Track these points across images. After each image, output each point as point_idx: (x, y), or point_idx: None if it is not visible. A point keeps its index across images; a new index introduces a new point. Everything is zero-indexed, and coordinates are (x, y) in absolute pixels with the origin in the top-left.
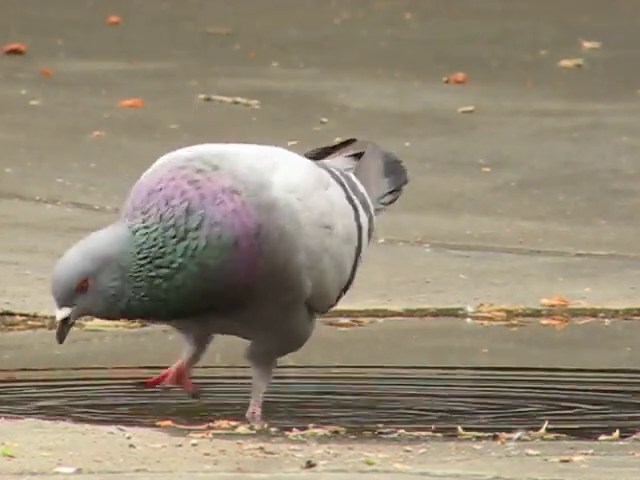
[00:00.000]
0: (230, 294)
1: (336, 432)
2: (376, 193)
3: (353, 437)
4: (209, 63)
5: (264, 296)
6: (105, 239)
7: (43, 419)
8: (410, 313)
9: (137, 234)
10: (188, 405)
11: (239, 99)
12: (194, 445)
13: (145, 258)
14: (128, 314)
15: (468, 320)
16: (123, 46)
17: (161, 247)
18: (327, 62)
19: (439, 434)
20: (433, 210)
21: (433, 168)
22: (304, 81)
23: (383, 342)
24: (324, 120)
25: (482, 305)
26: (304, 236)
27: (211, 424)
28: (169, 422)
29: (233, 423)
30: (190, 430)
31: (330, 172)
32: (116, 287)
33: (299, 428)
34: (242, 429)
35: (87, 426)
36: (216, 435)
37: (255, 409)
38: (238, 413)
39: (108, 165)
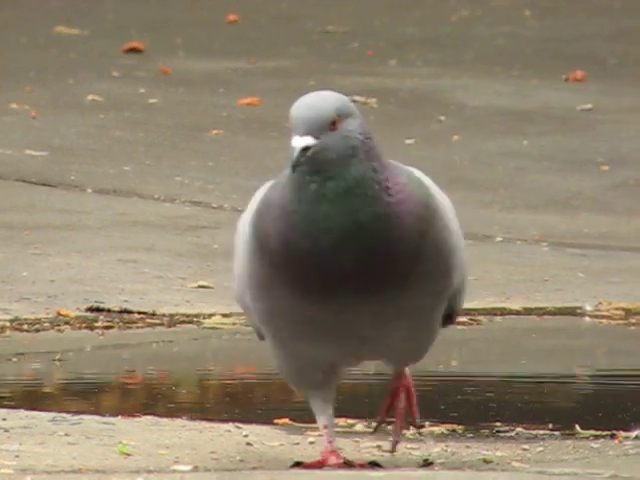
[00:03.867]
0: (391, 256)
1: (453, 430)
2: None
3: (470, 435)
4: (327, 61)
5: (422, 280)
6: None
7: (160, 417)
8: (528, 311)
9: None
10: (306, 403)
11: (357, 97)
12: (311, 443)
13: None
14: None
15: (587, 319)
16: (242, 45)
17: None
18: (445, 60)
19: (556, 432)
20: (551, 208)
21: (551, 166)
22: (422, 79)
23: (501, 341)
24: (442, 118)
25: (600, 303)
26: (449, 218)
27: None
28: (286, 420)
29: (350, 421)
30: (307, 428)
31: None
32: (357, 142)
33: (416, 426)
34: (359, 427)
35: (204, 424)
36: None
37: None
38: (355, 410)
39: (226, 163)
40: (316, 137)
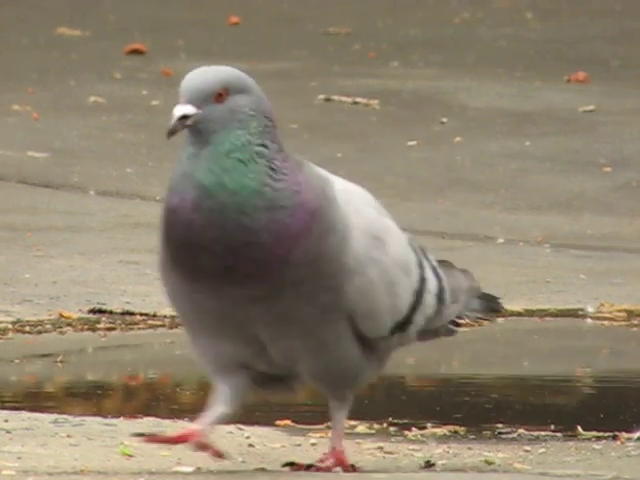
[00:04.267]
0: (260, 254)
1: (455, 432)
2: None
3: (472, 437)
4: (329, 63)
5: (300, 285)
6: (254, 82)
7: (162, 418)
8: (530, 313)
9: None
10: (307, 404)
11: (359, 99)
12: (313, 445)
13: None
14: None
15: (589, 320)
16: (243, 46)
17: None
18: (447, 62)
19: (558, 434)
20: (553, 210)
21: (553, 168)
22: (424, 81)
23: (503, 342)
24: (444, 120)
25: (603, 305)
26: (353, 238)
27: (330, 424)
28: (288, 421)
29: (352, 422)
30: (309, 430)
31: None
32: (245, 117)
33: (418, 428)
34: (361, 428)
35: None
36: None
37: (339, 444)
38: (357, 412)
39: None
40: (198, 107)
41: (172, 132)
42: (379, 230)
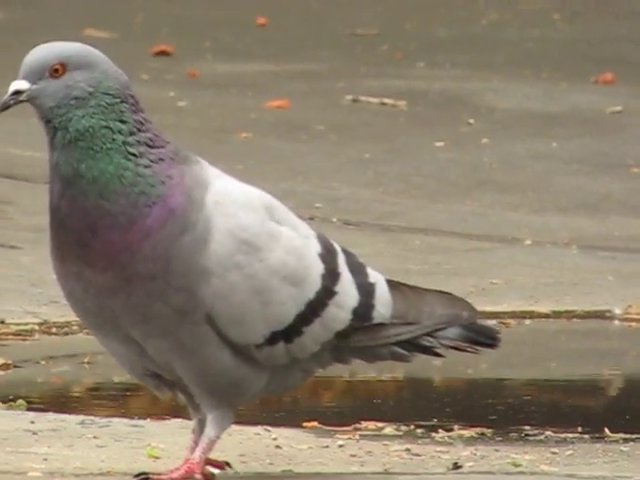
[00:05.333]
0: (114, 236)
1: (482, 434)
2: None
3: (499, 439)
4: (356, 64)
5: (150, 281)
6: (106, 59)
7: (189, 420)
8: (557, 315)
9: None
10: (335, 406)
11: (386, 100)
12: (340, 446)
13: (116, 97)
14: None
15: (616, 322)
16: (270, 47)
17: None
18: (474, 63)
19: (586, 436)
20: (580, 211)
21: (580, 169)
22: (451, 82)
23: (530, 344)
24: (471, 121)
25: (630, 307)
26: (214, 241)
27: (357, 425)
28: (315, 423)
29: (380, 424)
30: (336, 431)
31: (321, 236)
32: (83, 93)
33: (445, 430)
34: (388, 430)
35: (233, 427)
36: (363, 436)
37: (198, 457)
38: (384, 414)
39: (254, 166)
40: (32, 82)
41: (3, 107)
42: (254, 235)
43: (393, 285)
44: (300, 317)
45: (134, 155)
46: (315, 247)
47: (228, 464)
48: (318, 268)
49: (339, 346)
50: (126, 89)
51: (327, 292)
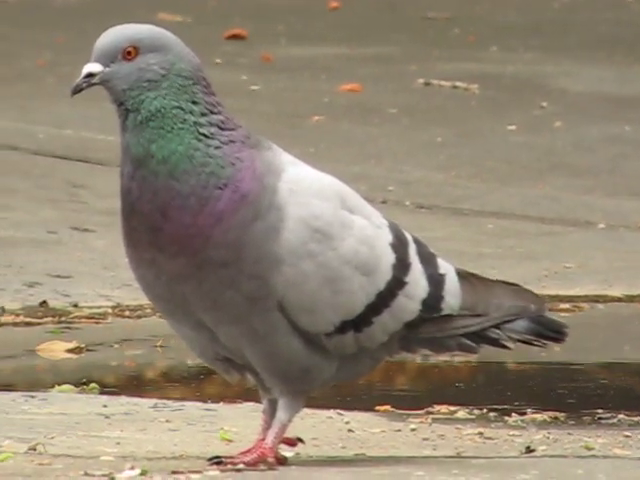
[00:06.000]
0: (186, 219)
1: (555, 417)
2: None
3: (572, 422)
4: (428, 47)
5: (222, 268)
6: (178, 41)
7: (261, 403)
8: (630, 299)
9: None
10: (407, 390)
11: (458, 83)
12: (413, 430)
13: (188, 79)
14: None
15: None
16: (343, 31)
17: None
18: (547, 46)
19: None
20: None
21: None
22: (523, 65)
23: (603, 328)
24: (543, 105)
25: None
26: (286, 229)
27: (430, 409)
28: (388, 407)
29: (452, 408)
30: (409, 415)
31: (392, 225)
32: (155, 76)
33: (518, 413)
34: (461, 414)
35: (306, 410)
36: (435, 420)
37: (270, 442)
38: (457, 397)
39: (327, 150)
40: (105, 65)
41: (76, 90)
42: (327, 224)
43: (462, 276)
44: (370, 307)
45: (205, 136)
46: (387, 237)
47: (300, 439)
48: (389, 258)
49: (407, 336)
50: (198, 71)
51: (397, 282)
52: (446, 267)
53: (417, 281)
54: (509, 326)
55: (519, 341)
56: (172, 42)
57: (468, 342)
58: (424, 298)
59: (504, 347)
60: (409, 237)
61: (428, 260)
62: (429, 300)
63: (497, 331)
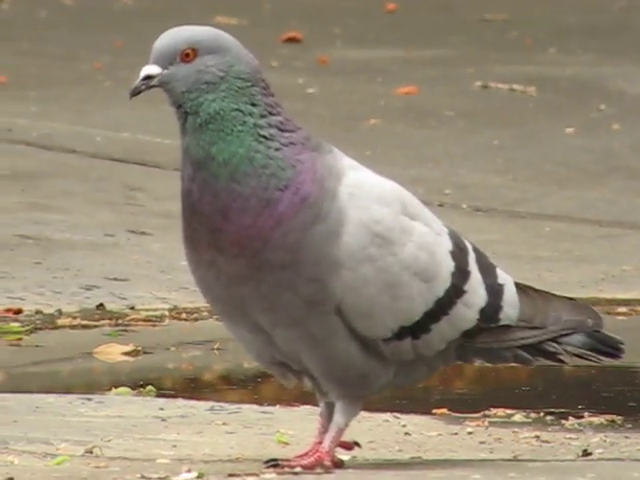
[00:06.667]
0: (246, 220)
1: (612, 421)
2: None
3: (629, 426)
4: (485, 50)
5: (281, 270)
6: (236, 43)
7: (318, 406)
8: None
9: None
10: (464, 392)
11: (516, 86)
12: (470, 433)
13: (247, 81)
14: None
15: None
16: (399, 34)
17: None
18: (605, 48)
19: None
20: None
21: None
22: (581, 67)
23: None
24: (601, 107)
25: None
26: (346, 233)
27: (487, 412)
28: (444, 410)
29: (509, 411)
30: (466, 418)
31: (452, 233)
32: (214, 78)
33: (575, 417)
34: (518, 417)
35: (363, 413)
36: (492, 423)
37: (327, 446)
38: (514, 401)
39: (384, 153)
40: (164, 67)
41: (134, 92)
42: (387, 229)
43: (521, 288)
44: (428, 314)
45: (265, 138)
46: (446, 244)
47: (357, 443)
48: (449, 265)
49: (464, 345)
50: (257, 73)
51: (456, 290)
52: (505, 278)
53: (476, 290)
54: (566, 340)
55: (575, 355)
56: (230, 44)
57: (524, 354)
58: (482, 307)
59: (560, 361)
60: (469, 245)
61: (487, 269)
62: (487, 309)
63: (554, 344)
